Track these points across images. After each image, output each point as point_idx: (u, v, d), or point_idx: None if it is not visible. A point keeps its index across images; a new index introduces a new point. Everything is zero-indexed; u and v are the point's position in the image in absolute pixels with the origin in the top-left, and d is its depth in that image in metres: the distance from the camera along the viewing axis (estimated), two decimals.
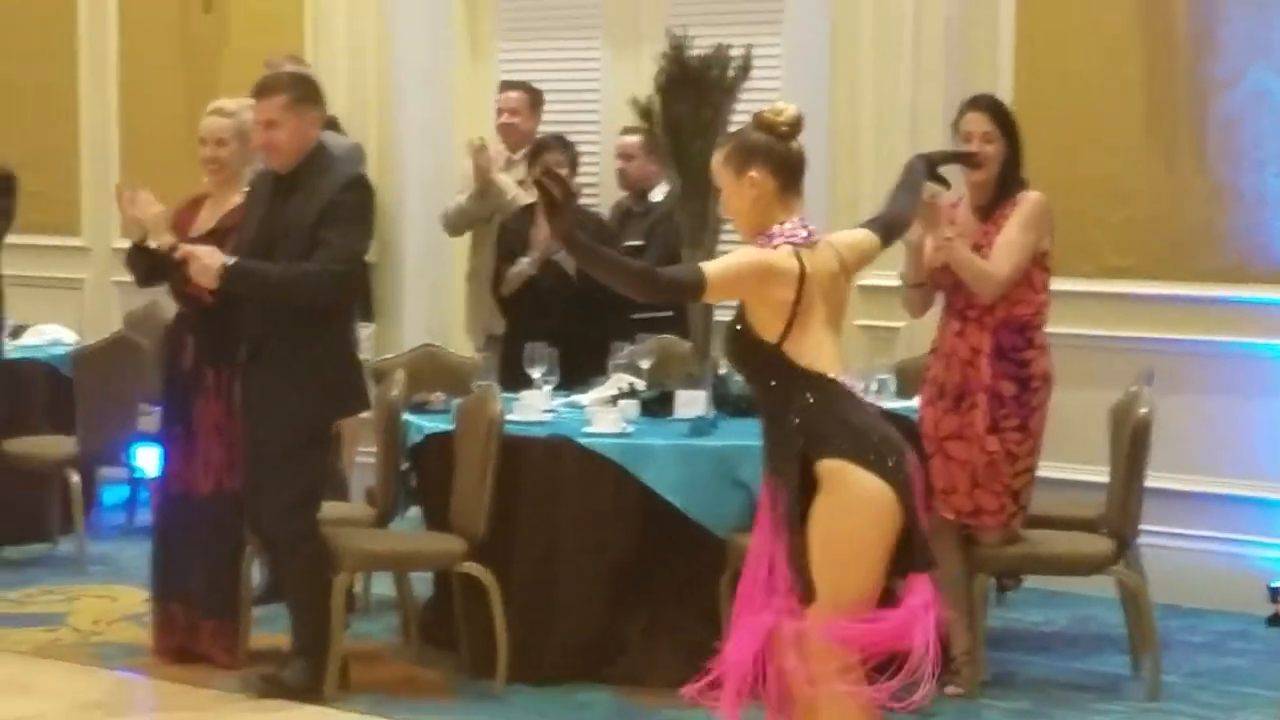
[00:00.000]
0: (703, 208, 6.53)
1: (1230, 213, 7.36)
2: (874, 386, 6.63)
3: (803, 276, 4.49)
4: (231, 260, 6.06)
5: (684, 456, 6.20)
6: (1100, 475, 6.48)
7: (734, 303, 4.62)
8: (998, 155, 6.16)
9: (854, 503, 4.42)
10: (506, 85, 8.63)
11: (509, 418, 6.31)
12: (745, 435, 5.74)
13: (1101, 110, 7.58)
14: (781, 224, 4.58)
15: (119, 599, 7.47)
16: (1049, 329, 6.20)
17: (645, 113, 6.86)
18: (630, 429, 6.36)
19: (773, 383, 4.57)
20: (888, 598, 4.55)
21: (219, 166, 6.58)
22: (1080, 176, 7.49)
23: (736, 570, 4.87)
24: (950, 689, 6.06)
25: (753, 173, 4.59)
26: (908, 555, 4.48)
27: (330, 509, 6.37)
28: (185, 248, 6.23)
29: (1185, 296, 7.39)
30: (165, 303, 6.97)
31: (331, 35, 9.37)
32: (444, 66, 9.37)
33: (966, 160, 5.89)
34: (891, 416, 5.01)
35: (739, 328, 4.57)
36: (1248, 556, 7.20)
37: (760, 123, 4.66)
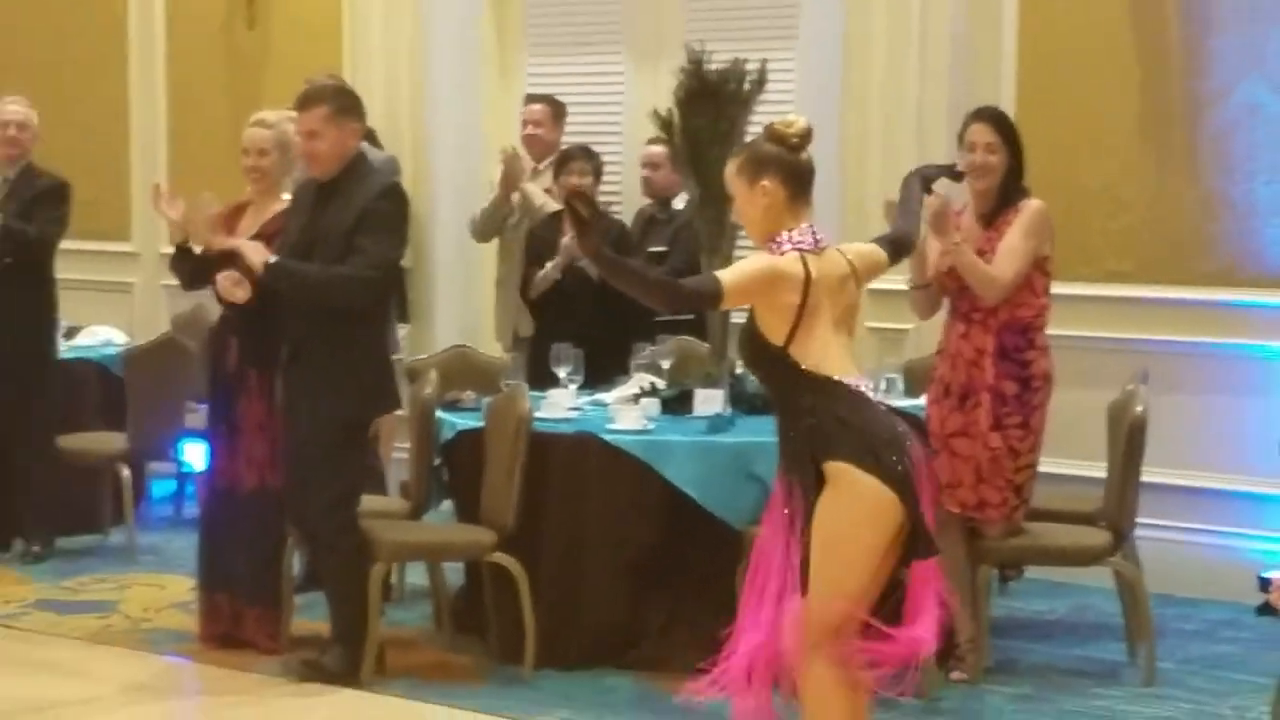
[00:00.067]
0: (720, 215, 6.51)
1: (1223, 220, 7.34)
2: (883, 385, 6.63)
3: (808, 281, 4.49)
4: (274, 259, 6.09)
5: (702, 452, 6.20)
6: (1098, 470, 6.46)
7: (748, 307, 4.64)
8: (1000, 165, 6.15)
9: (855, 504, 4.43)
10: (531, 98, 8.62)
11: (536, 415, 6.31)
12: (761, 432, 5.74)
13: (1100, 122, 7.56)
14: (790, 231, 4.58)
15: (167, 587, 7.49)
16: (1050, 331, 6.19)
17: (665, 124, 6.85)
18: (651, 426, 6.36)
19: (781, 384, 4.59)
20: (894, 584, 4.57)
21: (260, 175, 6.59)
22: (1079, 185, 7.48)
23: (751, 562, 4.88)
24: (955, 675, 6.07)
25: (765, 182, 4.60)
26: (912, 545, 4.50)
27: (367, 502, 6.38)
28: (232, 240, 6.26)
29: (1180, 300, 7.37)
30: (210, 306, 6.98)
31: (368, 50, 9.37)
32: (474, 80, 9.37)
33: (953, 175, 5.87)
34: (900, 414, 5.00)
35: (750, 331, 4.59)
36: (1238, 548, 7.18)
37: (772, 134, 4.66)
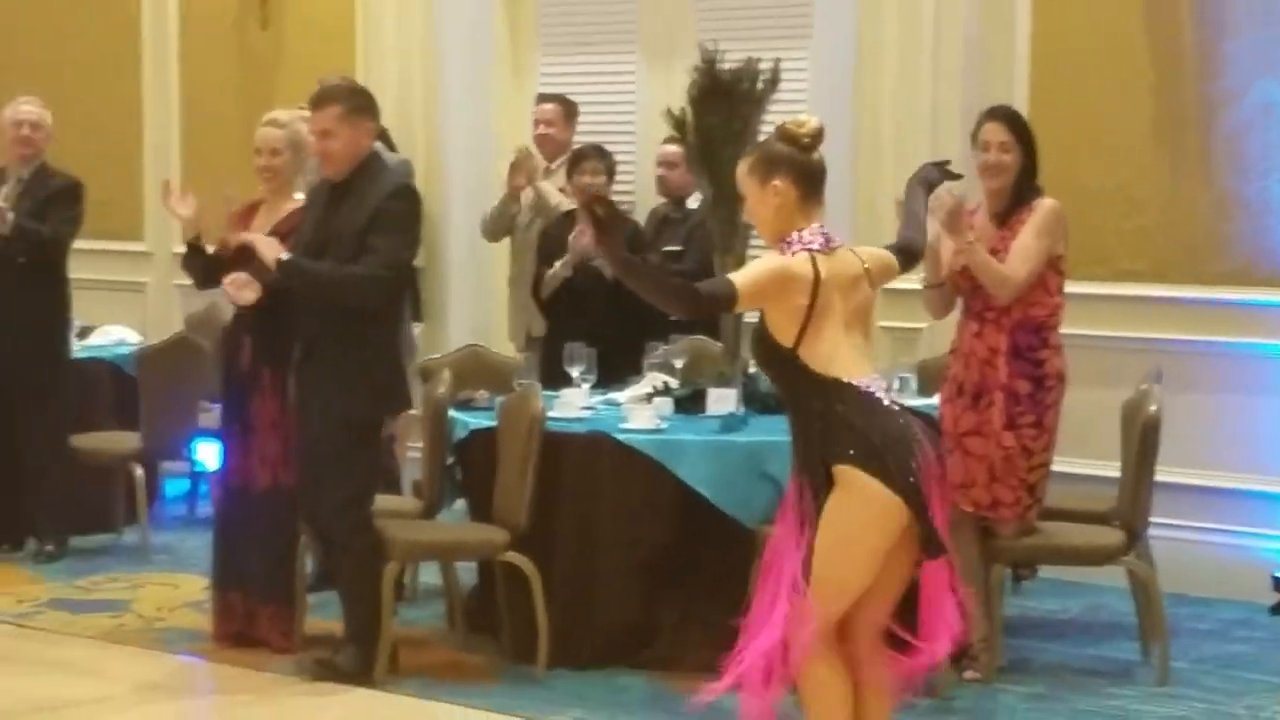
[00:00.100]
0: (733, 214, 6.50)
1: (1236, 219, 7.32)
2: (896, 384, 6.62)
3: (816, 282, 4.48)
4: (286, 255, 6.08)
5: (715, 451, 6.19)
6: (1112, 470, 6.44)
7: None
8: (1014, 164, 6.14)
9: (860, 508, 4.43)
10: (542, 98, 8.62)
11: (549, 415, 6.30)
12: (773, 431, 5.73)
13: (1114, 121, 7.54)
14: (801, 231, 4.57)
15: (180, 586, 7.49)
16: (1063, 330, 6.17)
17: (679, 123, 6.84)
18: (664, 425, 6.35)
19: (791, 386, 4.58)
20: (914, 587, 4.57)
21: (273, 174, 6.59)
22: (1093, 185, 7.46)
23: (765, 560, 4.87)
24: (968, 674, 6.05)
25: (776, 182, 4.59)
26: (923, 547, 4.48)
27: (380, 501, 6.36)
28: (246, 235, 6.26)
29: (1193, 299, 7.36)
30: (224, 305, 6.98)
31: (381, 50, 9.37)
32: (487, 79, 9.37)
33: (952, 175, 5.83)
34: (914, 413, 4.98)
35: (761, 332, 4.58)
36: (1252, 548, 7.17)
37: (783, 134, 4.65)
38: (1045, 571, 7.19)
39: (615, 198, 8.17)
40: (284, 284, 6.12)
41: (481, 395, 6.90)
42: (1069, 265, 6.21)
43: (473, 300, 9.23)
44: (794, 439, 4.60)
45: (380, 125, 6.54)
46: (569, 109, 8.48)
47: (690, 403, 6.60)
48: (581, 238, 7.72)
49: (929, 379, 6.82)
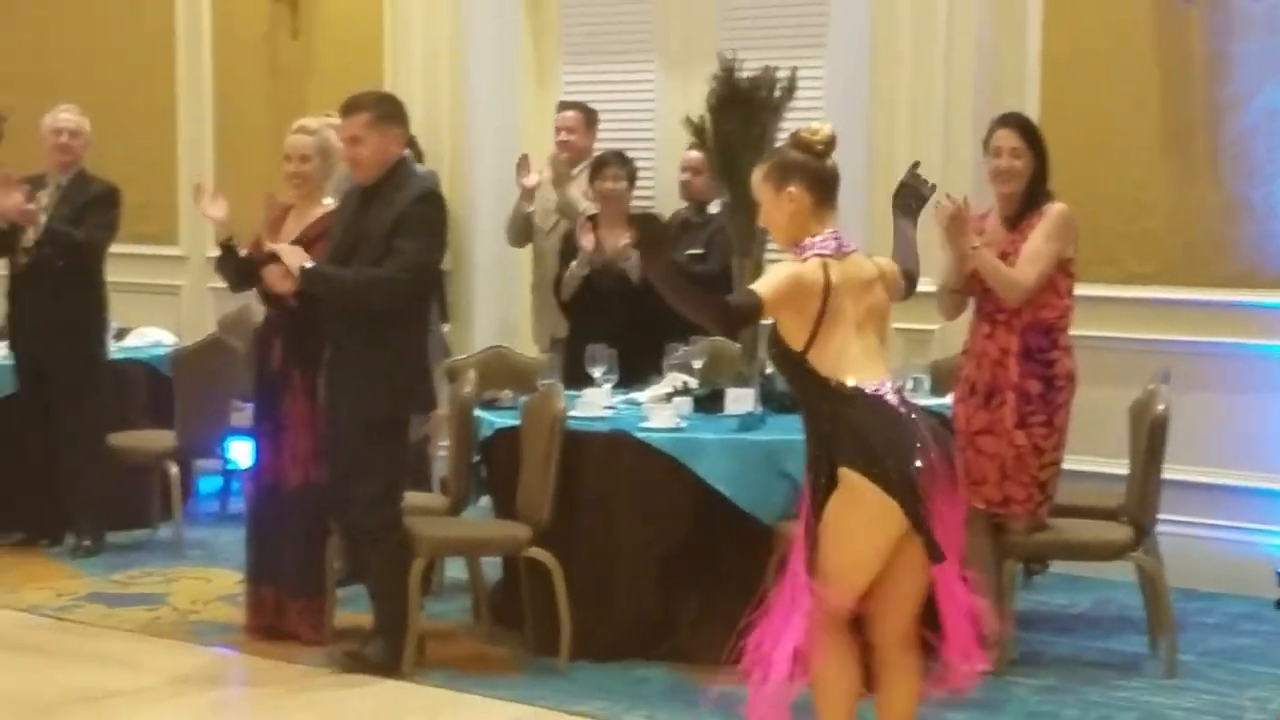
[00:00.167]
0: (751, 219, 6.45)
1: (1242, 223, 7.31)
2: (910, 384, 6.62)
3: (827, 288, 4.48)
4: (309, 264, 6.10)
5: (734, 450, 6.19)
6: (1121, 468, 6.44)
7: None
8: (1025, 169, 6.14)
9: (856, 509, 4.45)
10: (564, 105, 8.62)
11: (572, 414, 6.31)
12: (791, 430, 5.70)
13: (1123, 127, 7.53)
14: (814, 236, 4.57)
15: (214, 580, 7.51)
16: (1073, 331, 6.17)
17: (698, 130, 6.85)
18: (684, 424, 6.36)
19: (801, 388, 4.60)
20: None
21: (302, 180, 6.60)
22: (1102, 189, 7.45)
23: (783, 556, 4.88)
24: (981, 668, 6.04)
25: (791, 188, 4.59)
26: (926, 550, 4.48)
27: (409, 498, 6.37)
28: (273, 245, 6.27)
29: (1200, 301, 7.34)
30: (256, 307, 7.00)
31: (409, 60, 9.39)
32: (512, 87, 9.38)
33: (928, 192, 5.80)
34: (928, 413, 4.98)
35: (773, 335, 4.58)
36: (1258, 544, 7.15)
37: (797, 142, 4.66)
38: (1056, 566, 7.19)
39: (635, 202, 8.20)
40: (308, 291, 6.14)
41: (506, 395, 6.91)
42: (1079, 268, 6.21)
43: (498, 303, 9.25)
44: (805, 437, 4.61)
45: (409, 133, 6.55)
46: (589, 116, 8.49)
47: (709, 402, 6.60)
48: (584, 237, 7.73)
49: (942, 379, 6.82)
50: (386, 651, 6.13)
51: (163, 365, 8.46)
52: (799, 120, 5.24)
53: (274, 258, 6.25)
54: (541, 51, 9.43)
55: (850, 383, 4.49)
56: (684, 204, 8.23)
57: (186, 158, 10.30)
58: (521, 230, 8.39)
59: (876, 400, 4.49)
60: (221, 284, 6.91)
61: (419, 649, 6.20)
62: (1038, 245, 6.06)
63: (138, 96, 10.33)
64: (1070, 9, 7.62)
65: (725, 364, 6.96)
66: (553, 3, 9.36)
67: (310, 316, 6.26)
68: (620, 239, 7.74)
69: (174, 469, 8.05)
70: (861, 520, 4.44)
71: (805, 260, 4.54)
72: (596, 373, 6.71)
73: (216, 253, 6.64)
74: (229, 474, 8.91)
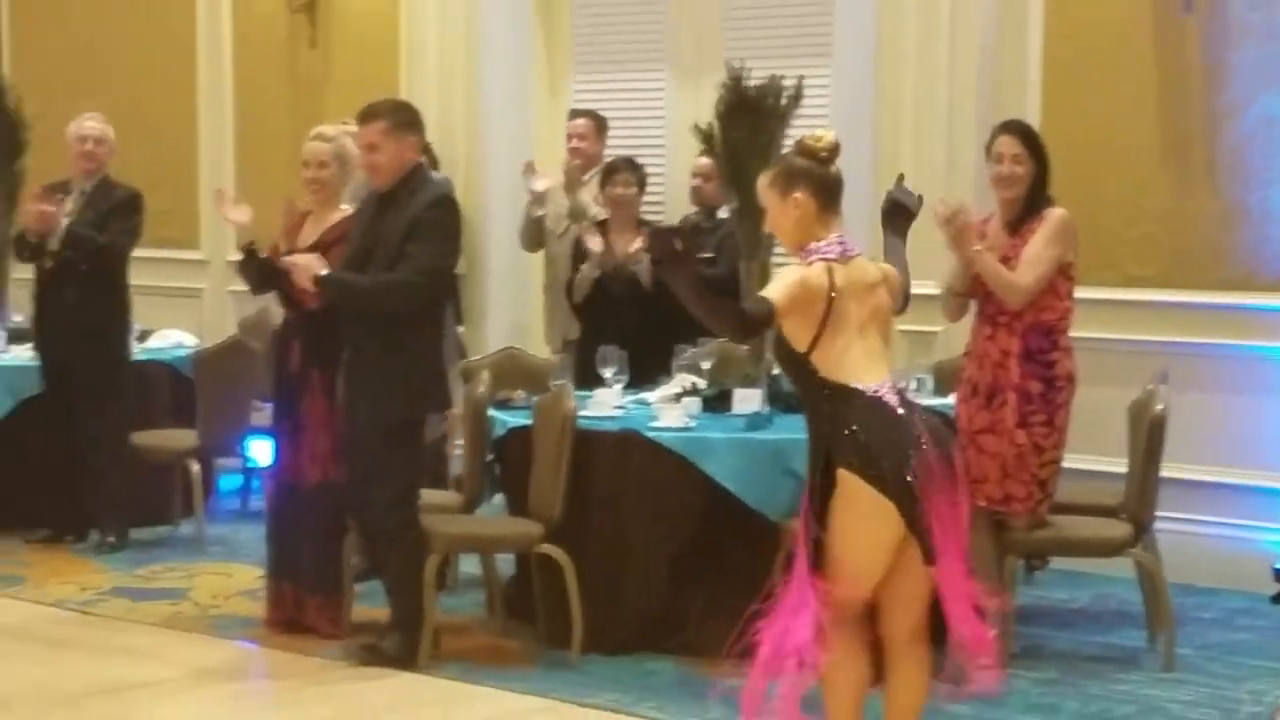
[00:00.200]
0: (758, 225, 6.51)
1: (1239, 228, 7.32)
2: (914, 385, 6.65)
3: (831, 290, 4.50)
4: (324, 272, 6.13)
5: (741, 449, 6.22)
6: (1120, 466, 6.46)
7: None
8: (1026, 175, 6.15)
9: (854, 509, 4.47)
10: (575, 113, 8.64)
11: (584, 413, 6.34)
12: (797, 429, 5.68)
13: (1122, 133, 7.55)
14: (819, 241, 4.59)
15: (234, 576, 7.54)
16: (1073, 333, 6.18)
17: (707, 138, 6.87)
18: (693, 424, 6.38)
19: (803, 389, 4.62)
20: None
21: (320, 186, 6.63)
22: (1102, 194, 7.47)
23: (789, 552, 4.90)
24: (981, 661, 6.06)
25: (796, 194, 4.61)
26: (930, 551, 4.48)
27: (425, 495, 6.37)
28: (288, 259, 6.30)
29: (1198, 304, 7.36)
30: (275, 310, 7.03)
31: (424, 68, 9.42)
32: (525, 95, 9.41)
33: (914, 207, 5.79)
34: (932, 412, 4.99)
35: (778, 336, 4.60)
36: (1254, 540, 7.16)
37: (802, 149, 4.67)
38: (1056, 563, 7.21)
39: (645, 209, 8.23)
40: (324, 297, 6.17)
41: (519, 395, 6.93)
42: (1079, 271, 6.23)
43: (510, 305, 9.28)
44: (808, 437, 4.64)
45: (425, 140, 6.58)
46: (600, 124, 8.51)
47: (717, 402, 6.63)
48: (590, 240, 7.75)
49: (945, 379, 6.84)
50: (403, 645, 6.16)
51: (184, 366, 8.50)
52: (805, 127, 5.27)
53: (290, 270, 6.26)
54: (554, 60, 9.46)
55: (850, 384, 4.50)
56: (694, 209, 8.26)
57: (207, 164, 10.34)
58: (534, 235, 8.42)
59: (875, 401, 4.51)
60: (241, 287, 6.95)
61: (434, 642, 6.23)
62: (1038, 250, 6.07)
63: (160, 104, 10.37)
64: (1071, 17, 7.64)
65: (733, 365, 6.99)
66: (565, 13, 9.39)
67: (328, 318, 6.29)
68: (631, 243, 7.78)
69: (195, 467, 8.08)
70: (862, 520, 4.46)
71: (810, 264, 4.56)
72: (607, 373, 6.73)
73: (239, 256, 6.68)
74: (249, 472, 8.94)
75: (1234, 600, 7.08)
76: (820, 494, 4.52)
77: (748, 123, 6.70)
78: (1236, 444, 7.28)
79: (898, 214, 5.09)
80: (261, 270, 6.53)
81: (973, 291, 6.20)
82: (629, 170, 8.01)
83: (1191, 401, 7.01)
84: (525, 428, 6.50)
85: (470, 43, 9.30)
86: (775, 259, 6.71)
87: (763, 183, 4.70)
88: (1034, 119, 7.15)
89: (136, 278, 8.24)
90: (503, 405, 6.82)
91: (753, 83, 6.75)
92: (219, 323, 9.86)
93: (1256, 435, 7.25)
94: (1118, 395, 6.61)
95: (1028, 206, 6.16)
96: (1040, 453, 6.07)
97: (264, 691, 6.30)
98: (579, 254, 8.03)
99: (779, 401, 6.54)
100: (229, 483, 9.13)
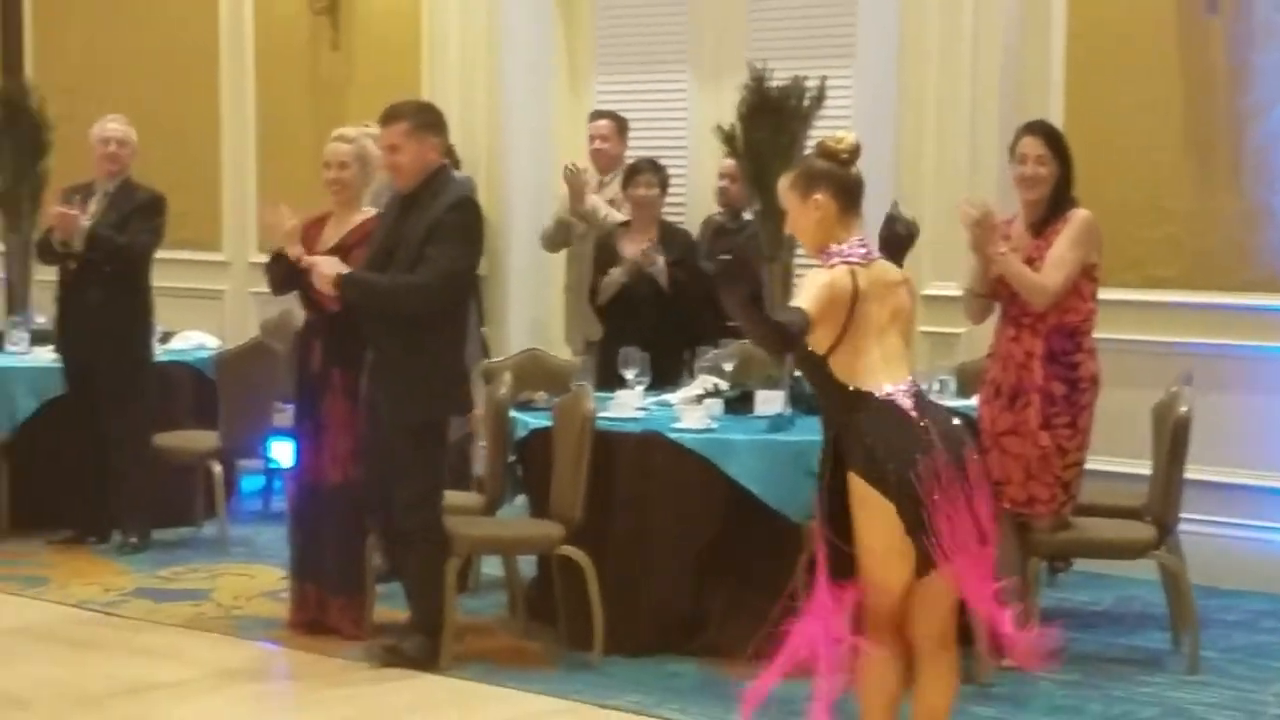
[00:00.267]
0: (780, 226, 6.51)
1: (1263, 229, 7.29)
2: (936, 386, 6.64)
3: (855, 294, 4.48)
4: (345, 271, 6.12)
5: (763, 450, 6.20)
6: (1144, 468, 6.42)
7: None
8: (1050, 176, 6.12)
9: (865, 512, 4.46)
10: (596, 114, 8.64)
11: (606, 415, 6.33)
12: (819, 431, 5.70)
13: (1145, 134, 7.52)
14: (841, 243, 4.58)
15: (256, 577, 7.55)
16: (1096, 334, 6.15)
17: (729, 139, 6.86)
18: (715, 425, 6.37)
19: (820, 390, 4.61)
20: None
21: (341, 187, 6.63)
22: (1125, 195, 7.44)
23: (812, 553, 4.89)
24: (1006, 662, 6.02)
25: (817, 195, 4.60)
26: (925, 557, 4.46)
27: (448, 497, 6.36)
28: (309, 259, 6.30)
29: (1221, 305, 7.33)
30: (296, 311, 7.03)
31: (445, 70, 9.42)
32: (546, 96, 9.41)
33: (904, 219, 5.75)
34: (953, 414, 4.97)
35: None
36: (1279, 542, 7.12)
37: (823, 150, 4.66)
38: (1079, 564, 7.17)
39: (667, 210, 8.22)
40: (344, 296, 6.16)
41: (540, 396, 6.92)
42: (1102, 272, 6.19)
43: (530, 305, 9.28)
44: (821, 439, 4.64)
45: (448, 142, 6.56)
46: (621, 124, 8.51)
47: (739, 403, 6.61)
48: (647, 253, 7.73)
49: (968, 381, 6.82)
50: (424, 647, 6.14)
51: (206, 368, 8.50)
52: (828, 128, 5.26)
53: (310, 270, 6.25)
54: (576, 61, 9.45)
55: (864, 388, 4.49)
56: (719, 210, 8.25)
57: (229, 166, 10.36)
58: (561, 237, 8.41)
59: (888, 404, 4.49)
60: (263, 289, 6.94)
61: (455, 644, 6.21)
62: (1063, 251, 6.05)
63: (183, 107, 10.39)
64: (1094, 17, 7.61)
65: (755, 366, 6.96)
66: (587, 14, 9.38)
67: (349, 319, 6.28)
68: (645, 243, 7.79)
69: (218, 468, 8.09)
70: (874, 522, 4.45)
71: (833, 267, 4.54)
72: (629, 375, 6.72)
73: (266, 257, 6.66)
74: (271, 473, 8.94)
75: (1259, 602, 7.05)
76: (829, 497, 4.50)
77: (770, 124, 6.69)
78: (1261, 445, 7.24)
79: (895, 247, 5.10)
80: (288, 271, 6.50)
81: (995, 293, 6.18)
82: (651, 171, 8.00)
83: (1215, 403, 6.98)
84: (546, 429, 6.49)
85: (492, 43, 9.30)
86: (798, 261, 6.69)
87: (783, 184, 4.69)
88: (1057, 119, 7.12)
89: (158, 279, 8.25)
90: (524, 407, 6.81)
91: (775, 83, 6.74)
92: (240, 324, 9.87)
93: None
94: (1141, 397, 6.58)
95: (1052, 208, 6.14)
96: (1064, 454, 6.05)
97: (285, 692, 6.31)
98: (602, 257, 8.02)
99: (801, 403, 6.52)
100: (251, 484, 9.14)
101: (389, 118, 6.21)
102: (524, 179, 9.22)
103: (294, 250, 6.39)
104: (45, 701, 5.87)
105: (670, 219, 8.25)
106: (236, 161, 10.32)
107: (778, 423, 6.38)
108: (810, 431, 6.15)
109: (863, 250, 4.58)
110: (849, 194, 4.62)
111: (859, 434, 4.46)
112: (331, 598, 6.54)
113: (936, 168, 7.87)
